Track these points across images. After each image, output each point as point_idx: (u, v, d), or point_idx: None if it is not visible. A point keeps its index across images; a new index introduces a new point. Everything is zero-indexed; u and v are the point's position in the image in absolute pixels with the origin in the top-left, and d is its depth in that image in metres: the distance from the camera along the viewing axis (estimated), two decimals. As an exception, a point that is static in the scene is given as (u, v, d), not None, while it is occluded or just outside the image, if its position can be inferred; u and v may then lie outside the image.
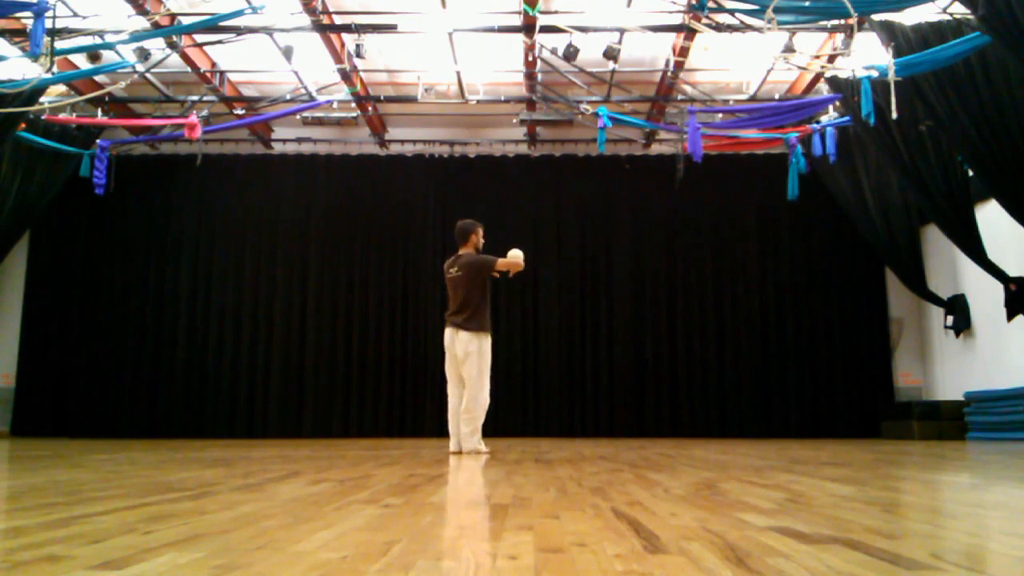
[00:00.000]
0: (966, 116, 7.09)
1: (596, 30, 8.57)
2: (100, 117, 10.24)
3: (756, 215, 11.59)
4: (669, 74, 9.72)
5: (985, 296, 9.27)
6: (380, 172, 11.80)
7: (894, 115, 6.85)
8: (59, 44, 7.16)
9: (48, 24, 6.64)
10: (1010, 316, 8.58)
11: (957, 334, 10.13)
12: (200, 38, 8.91)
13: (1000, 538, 1.90)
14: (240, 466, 4.36)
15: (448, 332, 5.90)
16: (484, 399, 5.79)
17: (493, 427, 11.18)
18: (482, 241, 6.10)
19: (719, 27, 7.79)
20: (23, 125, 9.23)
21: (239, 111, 10.70)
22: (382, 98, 10.52)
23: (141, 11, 8.11)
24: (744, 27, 7.53)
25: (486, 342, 5.82)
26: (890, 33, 7.32)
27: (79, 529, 1.87)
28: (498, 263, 5.82)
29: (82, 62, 9.25)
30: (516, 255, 5.83)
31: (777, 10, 6.23)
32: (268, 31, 8.60)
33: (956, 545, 1.76)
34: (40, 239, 11.67)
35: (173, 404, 11.19)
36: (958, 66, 7.02)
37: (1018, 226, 7.30)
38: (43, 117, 9.44)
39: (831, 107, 9.62)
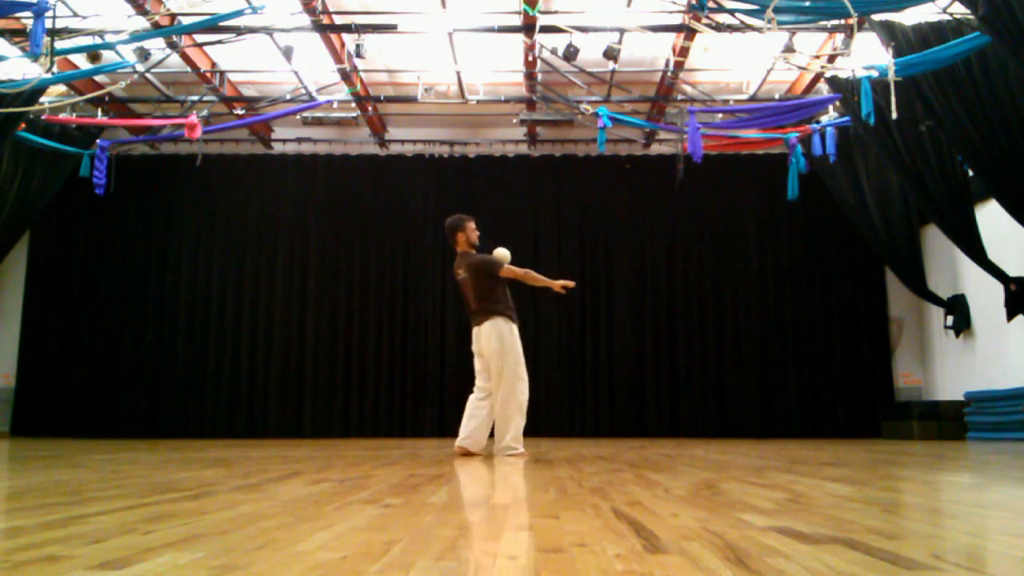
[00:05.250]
0: (966, 116, 7.09)
1: (596, 30, 8.57)
2: (100, 117, 10.23)
3: (756, 215, 11.58)
4: (669, 74, 9.71)
5: (985, 296, 9.27)
6: (380, 172, 11.80)
7: (894, 115, 6.85)
8: (59, 44, 7.15)
9: (48, 24, 6.64)
10: (1010, 316, 8.58)
11: (957, 334, 10.13)
12: (200, 38, 8.90)
13: (1000, 538, 1.90)
14: (240, 466, 4.36)
15: (473, 332, 5.52)
16: (519, 395, 5.32)
17: (493, 427, 11.22)
18: (475, 234, 5.62)
19: (719, 27, 7.79)
20: (23, 125, 9.22)
21: (239, 111, 10.70)
22: (382, 98, 10.51)
23: (141, 11, 8.11)
24: (744, 27, 7.52)
25: (506, 326, 5.35)
26: (890, 33, 7.32)
27: (79, 529, 1.87)
28: (504, 270, 5.45)
29: (82, 62, 9.25)
30: (502, 254, 5.50)
31: (777, 10, 6.23)
32: (268, 31, 8.60)
33: (956, 545, 1.76)
34: (40, 239, 11.67)
35: (173, 404, 11.19)
36: (958, 66, 7.01)
37: (1018, 226, 7.30)
38: (43, 117, 9.43)
39: (831, 107, 9.62)
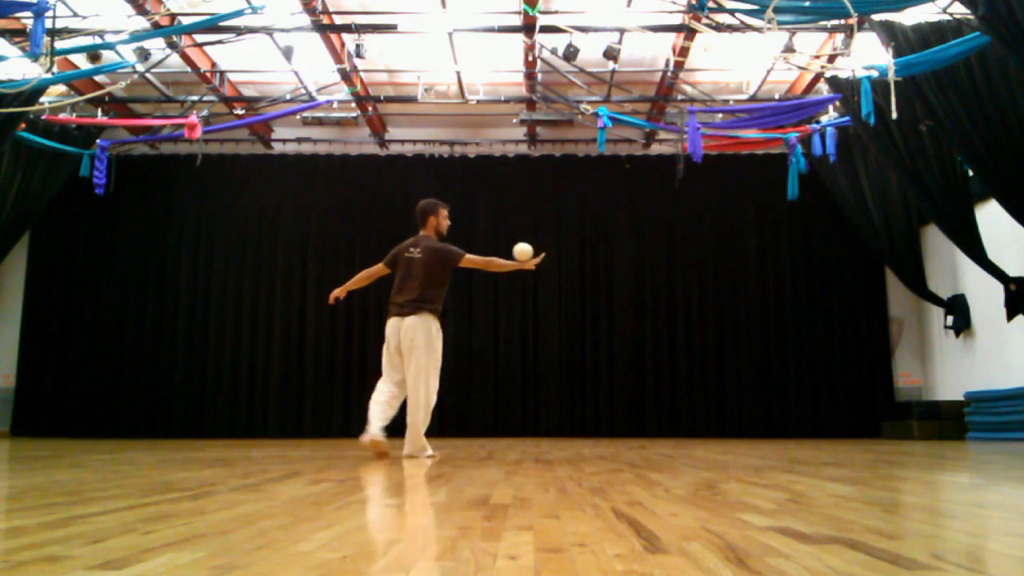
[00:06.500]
0: (966, 116, 7.09)
1: (596, 30, 8.57)
2: (100, 117, 10.23)
3: (756, 215, 11.58)
4: (669, 74, 9.71)
5: (985, 296, 9.27)
6: (380, 172, 11.80)
7: (894, 115, 6.85)
8: (59, 44, 7.15)
9: (48, 24, 6.64)
10: (1010, 316, 8.58)
11: (957, 334, 10.13)
12: (200, 38, 8.90)
13: (1000, 538, 1.90)
14: (240, 466, 4.36)
15: (393, 321, 5.31)
16: (433, 397, 5.23)
17: (493, 427, 11.24)
18: (446, 223, 5.53)
19: (719, 27, 7.79)
20: (23, 125, 9.22)
21: (239, 111, 10.70)
22: (382, 98, 10.51)
23: (141, 11, 8.11)
24: (744, 27, 7.52)
25: (435, 325, 5.26)
26: (890, 33, 7.32)
27: (79, 529, 1.87)
28: (466, 258, 5.32)
29: (82, 62, 9.24)
30: (521, 252, 5.27)
31: (777, 10, 6.23)
32: (268, 31, 8.60)
33: (956, 545, 1.76)
34: (40, 239, 11.66)
35: (173, 404, 11.18)
36: (958, 66, 7.01)
37: (1018, 226, 7.30)
38: (43, 117, 9.44)
39: (831, 107, 9.62)
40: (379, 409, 5.16)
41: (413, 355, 5.16)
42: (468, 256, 5.36)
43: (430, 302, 5.26)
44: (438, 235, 5.50)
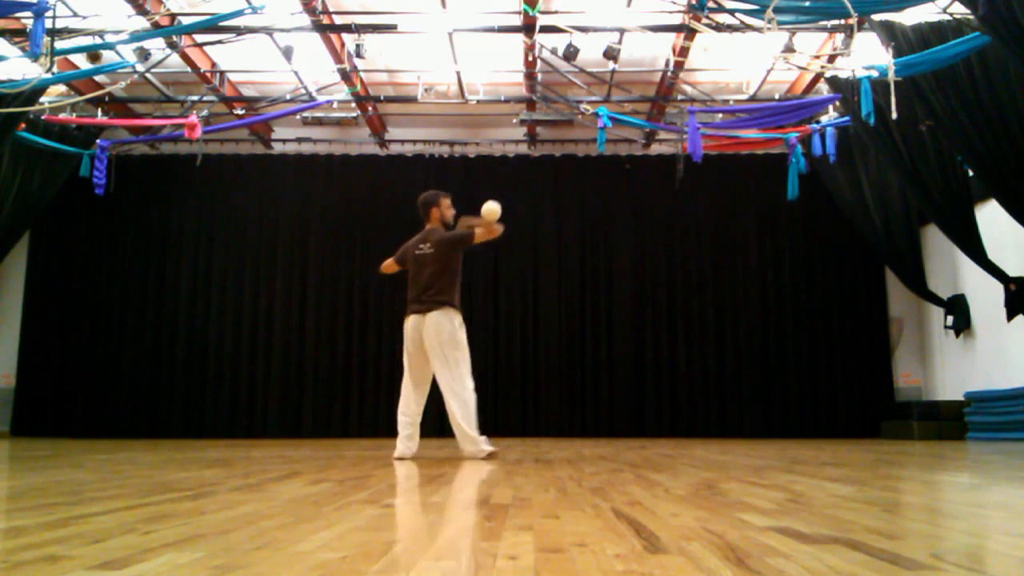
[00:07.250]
0: (966, 116, 7.09)
1: (596, 30, 8.57)
2: (100, 117, 10.23)
3: (756, 215, 11.59)
4: (669, 74, 9.72)
5: (985, 296, 9.27)
6: (380, 172, 11.80)
7: (894, 115, 6.85)
8: (59, 44, 7.15)
9: (48, 24, 6.64)
10: (1010, 316, 8.58)
11: (957, 334, 10.13)
12: (200, 38, 8.90)
13: (1000, 538, 1.90)
14: (240, 466, 4.37)
15: (413, 319, 5.14)
16: (471, 392, 5.09)
17: (493, 427, 11.22)
18: (450, 212, 5.37)
19: (719, 27, 7.79)
20: (23, 125, 9.22)
21: (239, 111, 10.70)
22: (382, 98, 10.52)
23: (141, 11, 8.11)
24: (744, 27, 7.53)
25: (459, 319, 5.13)
26: (890, 33, 7.32)
27: (79, 529, 1.87)
28: (477, 236, 5.13)
29: (82, 62, 9.25)
30: (490, 211, 5.08)
31: (777, 10, 6.23)
32: (268, 31, 8.60)
33: (956, 545, 1.76)
34: (40, 239, 11.66)
35: (173, 404, 11.18)
36: (958, 66, 7.02)
37: (1018, 226, 7.30)
38: (43, 117, 9.44)
39: (831, 107, 9.62)
40: (407, 432, 5.18)
41: (440, 353, 5.04)
42: (477, 232, 5.17)
43: (448, 296, 5.15)
44: (444, 226, 5.36)
